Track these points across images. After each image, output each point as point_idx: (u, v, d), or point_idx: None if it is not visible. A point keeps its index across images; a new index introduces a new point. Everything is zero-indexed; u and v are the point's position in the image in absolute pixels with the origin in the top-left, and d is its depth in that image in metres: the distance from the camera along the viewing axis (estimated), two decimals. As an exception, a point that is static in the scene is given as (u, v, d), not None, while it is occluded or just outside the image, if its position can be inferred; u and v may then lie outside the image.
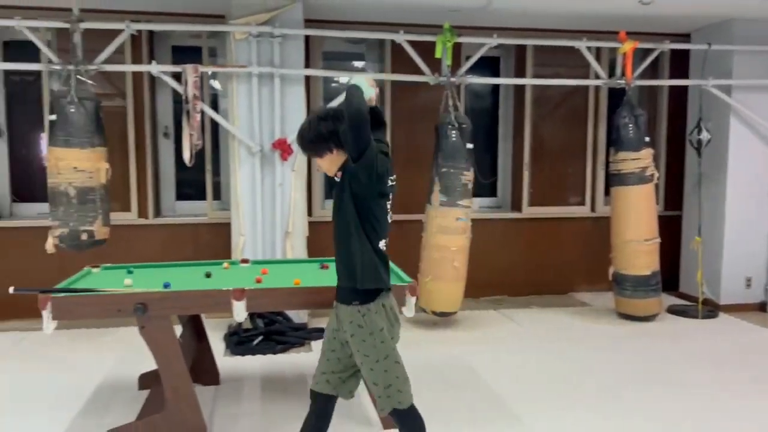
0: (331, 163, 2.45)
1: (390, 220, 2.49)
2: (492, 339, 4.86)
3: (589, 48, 5.36)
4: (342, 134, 2.35)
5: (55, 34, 5.16)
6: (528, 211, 6.19)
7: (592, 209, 6.35)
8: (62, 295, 2.92)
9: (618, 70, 5.43)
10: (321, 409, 2.57)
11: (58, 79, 4.70)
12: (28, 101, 5.57)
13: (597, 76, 5.59)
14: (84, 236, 4.32)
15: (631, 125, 5.21)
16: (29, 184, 5.65)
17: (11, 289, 2.91)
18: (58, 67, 4.43)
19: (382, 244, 2.44)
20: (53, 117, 4.30)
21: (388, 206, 2.47)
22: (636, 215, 5.23)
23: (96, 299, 2.95)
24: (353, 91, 2.27)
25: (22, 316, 5.13)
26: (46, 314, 2.84)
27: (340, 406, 3.41)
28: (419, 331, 5.05)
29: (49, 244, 4.39)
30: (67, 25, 4.42)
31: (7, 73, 5.51)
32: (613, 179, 5.38)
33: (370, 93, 2.33)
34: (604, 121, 6.22)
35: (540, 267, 6.26)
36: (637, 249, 5.22)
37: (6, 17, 4.46)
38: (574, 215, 6.32)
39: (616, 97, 5.65)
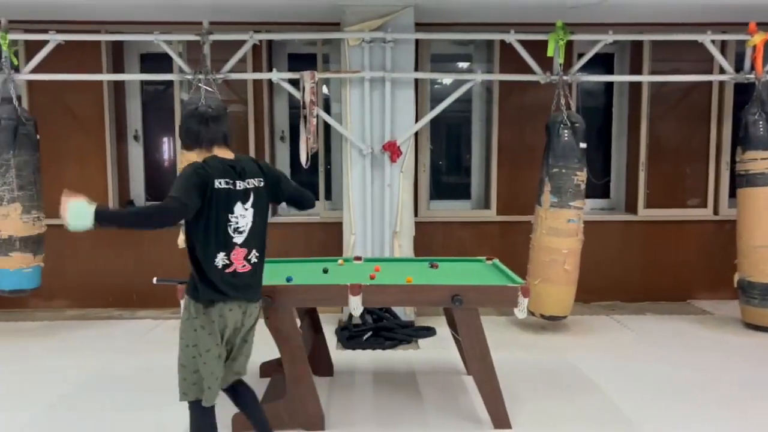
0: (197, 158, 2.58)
1: (239, 230, 2.54)
2: (604, 345, 4.71)
3: (713, 41, 5.07)
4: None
5: (185, 46, 5.60)
6: (644, 214, 5.93)
7: (715, 212, 5.98)
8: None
9: (746, 64, 5.08)
10: (234, 398, 2.84)
11: (188, 88, 5.09)
12: (161, 108, 6.08)
13: (722, 71, 5.27)
14: (211, 233, 4.65)
15: (761, 122, 4.88)
16: (161, 184, 6.16)
17: (154, 280, 3.20)
18: (189, 77, 4.81)
19: (219, 259, 2.52)
20: (185, 123, 4.67)
21: (230, 217, 2.50)
22: (767, 218, 4.87)
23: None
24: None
25: (155, 306, 5.62)
26: (183, 303, 3.10)
27: (451, 407, 3.46)
28: (527, 334, 4.99)
29: (181, 240, 4.77)
30: (197, 38, 4.79)
31: (143, 83, 6.04)
32: (740, 180, 5.05)
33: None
34: (730, 119, 5.84)
35: (656, 272, 5.98)
36: (767, 255, 4.87)
37: (145, 32, 4.91)
38: (695, 218, 5.98)
39: (744, 92, 5.30)
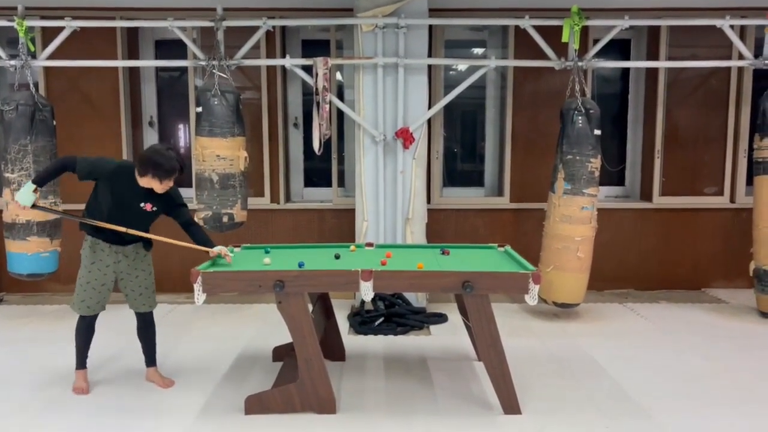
0: None
1: None
2: (617, 333, 4.70)
3: (732, 26, 4.98)
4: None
5: (199, 33, 5.62)
6: (659, 201, 5.88)
7: (732, 200, 5.92)
8: (211, 270, 3.22)
9: (766, 50, 4.99)
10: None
11: (202, 75, 5.12)
12: (175, 95, 6.12)
13: (741, 57, 5.18)
14: (225, 219, 4.70)
15: (780, 109, 4.80)
16: (176, 170, 6.20)
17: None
18: (203, 63, 4.83)
19: None
20: (199, 109, 4.70)
21: None
22: (784, 207, 4.82)
23: (241, 275, 3.23)
24: None
25: (171, 290, 5.67)
26: (197, 287, 3.15)
27: (461, 392, 3.48)
28: (539, 321, 4.98)
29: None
30: (211, 24, 4.81)
31: (158, 70, 6.07)
32: (757, 167, 4.99)
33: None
34: (748, 105, 5.75)
35: (671, 260, 5.94)
36: (784, 243, 4.82)
37: (160, 18, 4.93)
38: (711, 206, 5.92)
39: (763, 79, 5.22)
